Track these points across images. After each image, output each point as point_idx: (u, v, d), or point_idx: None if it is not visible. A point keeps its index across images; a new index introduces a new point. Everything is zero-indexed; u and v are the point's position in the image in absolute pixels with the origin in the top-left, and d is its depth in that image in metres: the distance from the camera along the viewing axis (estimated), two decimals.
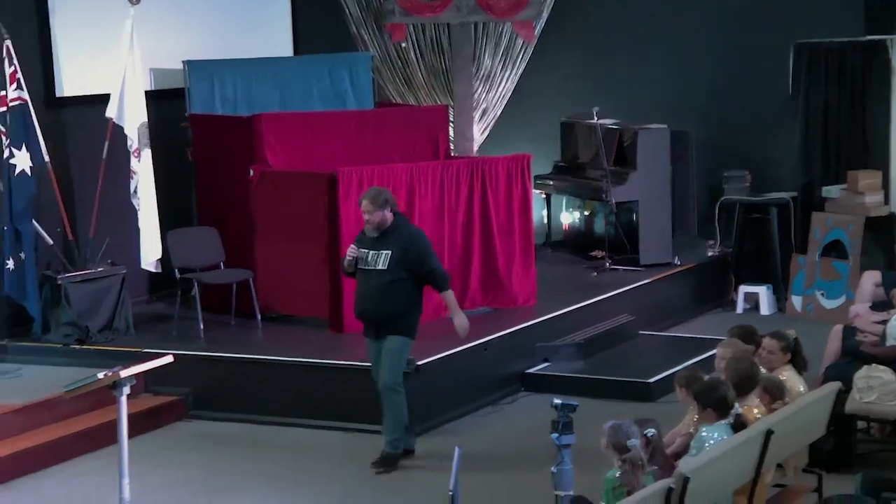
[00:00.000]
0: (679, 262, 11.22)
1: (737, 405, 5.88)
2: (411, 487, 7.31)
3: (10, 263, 8.81)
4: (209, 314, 9.44)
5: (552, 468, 5.61)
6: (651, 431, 5.60)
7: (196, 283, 9.37)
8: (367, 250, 7.46)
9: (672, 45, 12.07)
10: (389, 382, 7.52)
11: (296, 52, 11.62)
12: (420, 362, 8.29)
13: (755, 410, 6.09)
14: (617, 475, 5.36)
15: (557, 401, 5.59)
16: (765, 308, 11.17)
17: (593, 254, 11.52)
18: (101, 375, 5.88)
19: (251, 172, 9.59)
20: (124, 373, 5.86)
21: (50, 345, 9.03)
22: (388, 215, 7.45)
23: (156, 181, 9.40)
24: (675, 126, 11.35)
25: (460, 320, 7.63)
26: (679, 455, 5.92)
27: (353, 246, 7.54)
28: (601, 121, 11.33)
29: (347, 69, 11.04)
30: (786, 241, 11.34)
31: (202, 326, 9.24)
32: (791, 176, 11.57)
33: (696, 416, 5.99)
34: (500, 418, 8.62)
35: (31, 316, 9.08)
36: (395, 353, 7.52)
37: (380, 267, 7.41)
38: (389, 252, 7.39)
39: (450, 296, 7.65)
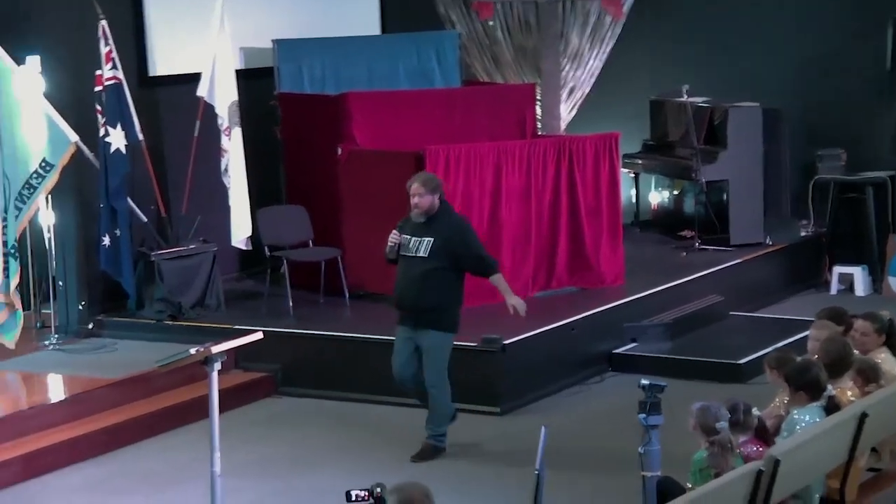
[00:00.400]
0: (771, 242, 11.05)
1: (830, 387, 5.78)
2: (496, 466, 7.31)
3: (106, 240, 8.99)
4: (298, 292, 9.54)
5: (639, 449, 5.57)
6: (755, 411, 5.53)
7: (285, 261, 9.47)
8: (409, 236, 7.31)
9: (764, 20, 11.85)
10: (434, 381, 7.37)
11: (383, 30, 11.65)
12: (507, 341, 8.28)
13: (849, 393, 5.97)
14: (705, 456, 5.30)
15: (645, 381, 5.55)
16: (860, 289, 10.97)
17: (682, 233, 11.39)
18: (192, 351, 5.98)
19: (339, 151, 9.65)
20: (215, 349, 5.95)
21: (144, 320, 9.20)
22: (437, 202, 7.31)
23: (246, 160, 9.50)
24: (768, 104, 11.16)
25: (516, 300, 7.52)
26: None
27: (395, 231, 7.38)
28: (691, 99, 11.18)
29: (434, 48, 11.03)
30: (882, 221, 11.11)
31: (291, 304, 9.33)
32: (888, 154, 11.31)
33: (787, 399, 5.90)
34: (587, 398, 8.59)
35: (125, 292, 9.25)
36: (439, 351, 7.37)
37: (421, 254, 7.26)
38: (432, 239, 7.25)
39: (499, 279, 7.54)
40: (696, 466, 5.32)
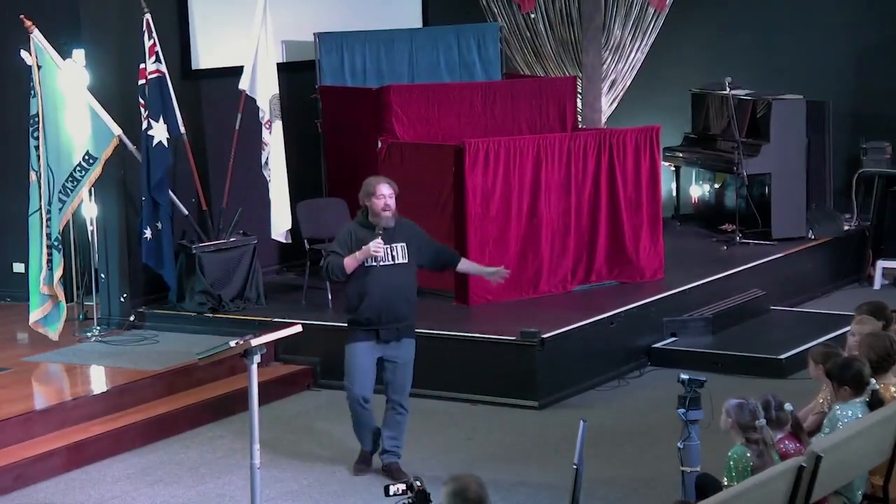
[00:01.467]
0: (813, 236, 10.95)
1: (873, 382, 5.72)
2: (535, 460, 7.31)
3: (148, 233, 9.05)
4: (338, 285, 9.54)
5: (679, 444, 5.56)
6: (789, 406, 5.47)
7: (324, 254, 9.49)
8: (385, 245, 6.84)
9: (808, 12, 11.73)
10: (407, 396, 7.06)
11: (425, 23, 11.65)
12: (546, 335, 8.27)
13: (892, 389, 5.91)
14: (748, 454, 5.23)
15: (684, 376, 5.53)
16: None
17: (723, 227, 11.32)
18: (232, 343, 6.02)
19: (379, 144, 9.66)
20: (255, 341, 5.98)
21: (184, 313, 9.27)
22: None
23: (286, 153, 9.53)
24: (812, 96, 11.05)
25: (495, 269, 7.32)
26: (811, 433, 5.79)
27: (378, 242, 6.78)
28: (733, 91, 11.10)
29: (476, 40, 11.02)
30: None
31: (330, 297, 9.36)
32: None
33: (830, 394, 5.84)
34: (626, 392, 8.56)
35: (167, 284, 9.32)
36: (412, 363, 7.08)
37: (401, 260, 6.87)
38: (405, 244, 6.89)
39: (467, 262, 7.45)
40: (732, 463, 5.26)
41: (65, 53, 9.17)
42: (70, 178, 8.80)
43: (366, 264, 6.81)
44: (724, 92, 11.10)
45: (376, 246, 6.79)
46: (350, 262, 6.81)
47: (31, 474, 7.07)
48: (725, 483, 5.21)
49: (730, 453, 5.27)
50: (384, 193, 6.84)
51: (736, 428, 5.31)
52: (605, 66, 12.00)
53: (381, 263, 6.84)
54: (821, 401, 6.10)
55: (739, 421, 5.29)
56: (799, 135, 10.95)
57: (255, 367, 6.00)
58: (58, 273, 8.70)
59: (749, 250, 10.66)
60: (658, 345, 9.13)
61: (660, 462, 7.07)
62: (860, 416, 5.54)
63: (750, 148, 10.93)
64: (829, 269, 10.98)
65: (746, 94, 11.28)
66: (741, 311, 9.71)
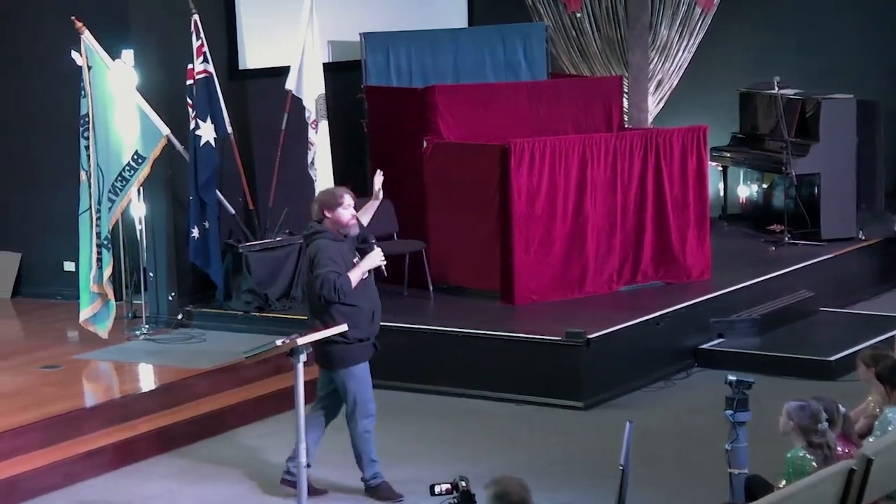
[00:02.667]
0: (863, 237, 10.84)
1: None
2: (580, 461, 7.28)
3: (195, 232, 9.12)
4: (382, 284, 9.53)
5: (726, 445, 5.52)
6: (842, 408, 5.40)
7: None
8: (358, 257, 6.64)
9: (859, 10, 11.60)
10: None
11: (470, 23, 11.64)
12: (591, 335, 8.24)
13: None
14: (809, 458, 5.14)
15: (732, 377, 5.48)
16: None
17: (771, 227, 11.22)
18: (279, 342, 6.06)
19: (424, 144, 9.67)
20: (301, 340, 6.02)
21: (231, 311, 9.32)
22: None
23: (332, 152, 9.57)
24: (863, 96, 10.92)
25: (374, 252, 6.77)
26: (861, 436, 5.72)
27: (378, 252, 6.59)
28: (782, 91, 11.00)
29: (521, 40, 10.99)
30: None
31: None
32: None
33: (880, 397, 5.77)
34: (673, 393, 8.51)
35: (214, 283, 9.39)
36: None
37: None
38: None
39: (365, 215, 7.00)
40: (791, 467, 5.17)
41: (114, 54, 9.26)
42: (119, 178, 8.89)
43: (363, 277, 6.59)
44: (773, 91, 11.00)
45: (382, 256, 6.61)
46: (356, 277, 6.53)
47: (79, 471, 7.15)
48: (782, 485, 5.13)
49: (789, 455, 5.19)
50: (350, 204, 6.57)
51: (797, 431, 5.22)
52: (651, 66, 11.93)
53: (364, 276, 6.60)
54: (871, 404, 6.03)
55: (801, 424, 5.20)
56: (849, 134, 10.83)
57: (301, 366, 6.03)
58: (107, 272, 8.79)
59: (798, 251, 10.56)
60: (705, 346, 9.07)
61: (707, 464, 7.02)
62: None
63: (799, 148, 10.83)
64: (879, 270, 10.85)
65: (795, 94, 11.18)
66: (790, 313, 9.62)
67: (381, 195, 6.98)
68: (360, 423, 6.74)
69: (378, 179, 6.95)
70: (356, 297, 6.55)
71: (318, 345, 6.44)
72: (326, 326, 6.51)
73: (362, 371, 6.71)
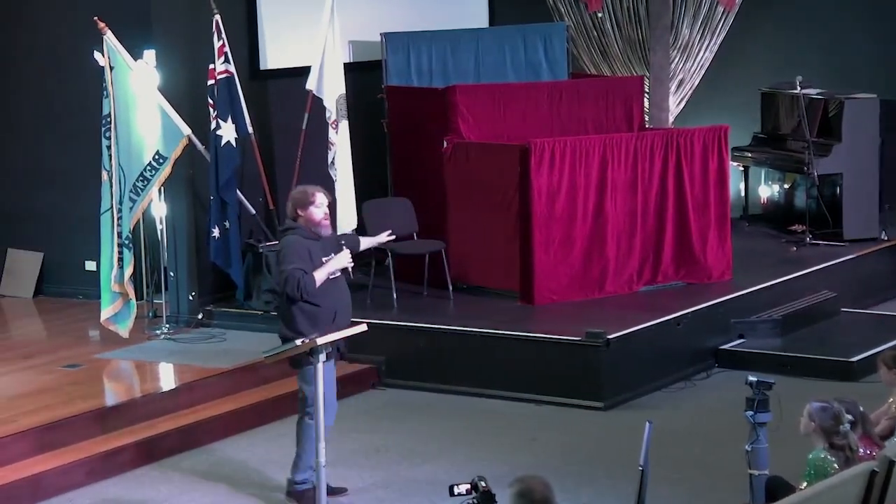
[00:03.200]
0: (886, 238, 10.78)
1: None
2: (600, 461, 7.27)
3: (216, 232, 9.15)
4: (402, 284, 9.60)
5: (746, 446, 5.49)
6: (861, 409, 5.36)
7: (390, 254, 9.53)
8: (329, 257, 6.54)
9: (880, 9, 11.53)
10: None
11: (491, 23, 11.64)
12: (611, 336, 8.22)
13: None
14: (831, 459, 5.11)
15: (752, 378, 5.45)
16: None
17: (793, 228, 11.17)
18: (298, 342, 6.08)
19: (445, 144, 9.67)
20: (321, 340, 6.04)
21: (252, 311, 9.35)
22: None
23: (352, 152, 9.58)
24: (886, 96, 10.86)
25: (381, 236, 6.99)
26: (883, 438, 5.69)
27: (346, 254, 6.51)
28: (804, 90, 10.95)
29: (542, 40, 10.98)
30: None
31: (395, 296, 9.39)
32: None
33: None
34: (693, 394, 8.48)
35: (234, 283, 9.41)
36: None
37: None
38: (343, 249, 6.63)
39: (363, 240, 7.13)
40: (812, 468, 5.14)
41: (136, 54, 9.30)
42: (140, 178, 8.92)
43: (330, 277, 6.48)
44: (795, 91, 10.95)
45: (349, 257, 6.52)
46: (321, 277, 6.43)
47: (101, 470, 7.18)
48: (803, 486, 5.11)
49: (810, 457, 5.16)
50: (322, 203, 6.50)
51: (819, 432, 5.19)
52: (672, 66, 11.90)
53: (334, 276, 6.53)
54: (893, 405, 6.00)
55: (823, 425, 5.17)
56: (872, 134, 10.77)
57: (320, 365, 6.05)
58: (128, 271, 8.83)
59: (819, 251, 10.51)
60: (726, 346, 9.04)
61: (727, 465, 6.99)
62: None
63: (821, 148, 10.78)
64: None
65: (818, 94, 11.12)
66: (811, 313, 9.58)
67: (381, 241, 7.05)
68: (309, 424, 6.57)
69: (385, 236, 7.04)
70: (319, 296, 6.45)
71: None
72: (285, 323, 6.49)
73: (326, 370, 6.43)
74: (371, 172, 10.41)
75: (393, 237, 7.10)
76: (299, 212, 6.53)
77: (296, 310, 6.47)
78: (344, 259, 6.52)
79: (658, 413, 7.95)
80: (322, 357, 6.05)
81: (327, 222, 6.56)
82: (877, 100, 10.81)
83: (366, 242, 7.14)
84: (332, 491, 6.64)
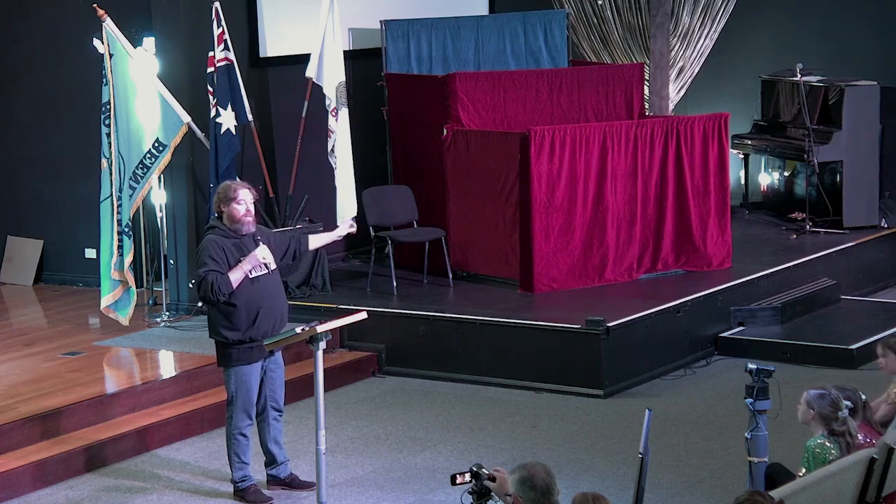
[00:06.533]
0: (886, 225, 10.78)
1: None
2: (600, 449, 7.28)
3: None
4: (402, 272, 9.60)
5: (746, 434, 5.50)
6: (863, 396, 5.37)
7: (390, 242, 9.53)
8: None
9: None
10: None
11: (491, 10, 11.62)
12: (611, 324, 8.22)
13: None
14: (829, 446, 5.11)
15: (752, 365, 5.46)
16: None
17: (793, 215, 11.17)
18: (298, 330, 6.08)
19: (444, 131, 9.66)
20: (321, 328, 6.04)
21: None
22: None
23: (352, 140, 9.57)
24: (887, 82, 10.85)
25: (341, 228, 6.77)
26: (883, 425, 5.69)
27: (262, 252, 6.31)
28: (805, 77, 10.93)
29: (542, 27, 10.97)
30: None
31: (395, 284, 9.39)
32: None
33: None
34: (693, 382, 8.49)
35: None
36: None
37: (272, 266, 6.42)
38: (266, 246, 6.43)
39: (314, 238, 6.84)
40: (811, 455, 5.14)
41: (135, 42, 9.29)
42: (140, 165, 8.92)
43: (250, 276, 6.32)
44: (795, 78, 10.94)
45: (264, 253, 6.34)
46: (237, 277, 6.27)
47: (102, 456, 7.19)
48: (801, 473, 5.12)
49: (809, 444, 5.17)
50: (245, 199, 6.36)
51: (818, 419, 5.19)
52: (673, 53, 11.87)
53: (261, 273, 6.37)
54: (893, 392, 6.00)
55: (822, 412, 5.17)
56: (872, 121, 10.76)
57: (320, 353, 6.05)
58: (128, 259, 8.83)
59: (819, 239, 10.51)
60: (725, 334, 9.04)
61: (726, 452, 7.01)
62: None
63: (821, 135, 10.77)
64: None
65: (818, 81, 11.11)
66: (811, 301, 9.58)
67: (341, 234, 6.80)
68: (234, 424, 6.54)
69: (346, 227, 6.79)
70: (250, 296, 6.32)
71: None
72: (210, 324, 6.42)
73: (245, 373, 6.45)
74: (371, 160, 10.41)
75: (353, 229, 6.87)
76: (222, 208, 6.39)
77: (215, 311, 6.37)
78: (259, 254, 6.33)
79: (658, 401, 7.96)
80: (322, 345, 6.05)
81: (249, 219, 6.38)
82: (877, 87, 10.80)
83: (319, 240, 6.86)
84: (300, 484, 6.69)
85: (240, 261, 6.33)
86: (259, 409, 6.65)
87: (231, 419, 6.58)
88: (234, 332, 6.38)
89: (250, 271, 6.33)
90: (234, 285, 6.29)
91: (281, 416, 6.71)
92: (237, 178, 9.21)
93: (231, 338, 6.39)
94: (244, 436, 6.59)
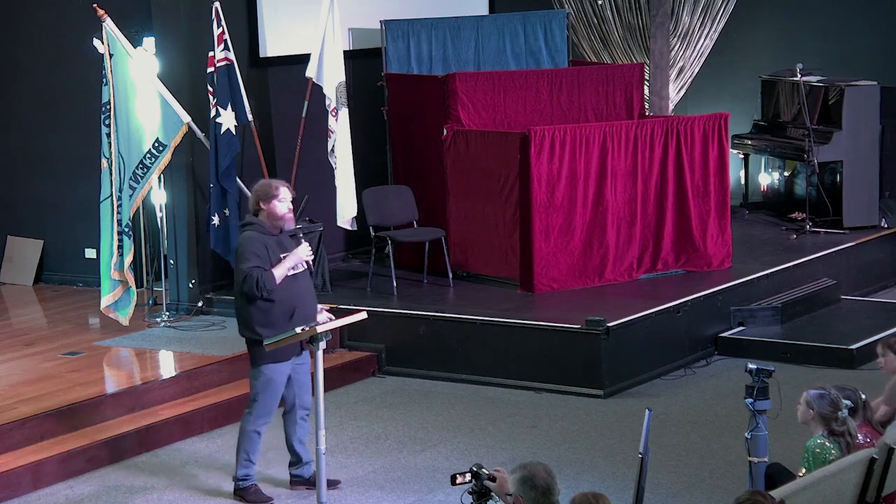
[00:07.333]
0: (886, 225, 10.78)
1: None
2: (600, 449, 7.28)
3: (216, 220, 9.14)
4: (402, 272, 9.60)
5: (746, 434, 5.50)
6: (863, 396, 5.37)
7: (390, 242, 9.53)
8: (285, 254, 6.41)
9: None
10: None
11: (491, 10, 11.62)
12: (611, 324, 8.22)
13: None
14: (829, 446, 5.12)
15: (752, 365, 5.46)
16: None
17: (793, 216, 11.18)
18: (298, 330, 6.08)
19: (444, 131, 9.67)
20: (321, 328, 6.04)
21: None
22: None
23: (352, 140, 9.57)
24: (887, 82, 10.85)
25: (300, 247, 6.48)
26: (883, 425, 5.70)
27: (307, 248, 6.37)
28: (805, 77, 10.94)
29: (542, 27, 10.97)
30: None
31: (395, 284, 9.39)
32: None
33: None
34: (693, 382, 8.49)
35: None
36: None
37: (303, 266, 6.44)
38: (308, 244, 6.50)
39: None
40: (811, 455, 5.14)
41: (135, 42, 9.29)
42: (140, 165, 8.92)
43: (290, 273, 6.34)
44: (795, 78, 10.94)
45: (308, 251, 6.37)
46: (280, 273, 6.29)
47: (102, 457, 7.19)
48: (801, 473, 5.11)
49: (809, 444, 5.17)
50: (286, 197, 6.38)
51: (818, 419, 5.19)
52: (673, 53, 11.88)
53: (298, 270, 6.39)
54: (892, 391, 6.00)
55: (821, 412, 5.17)
56: (872, 121, 10.77)
57: (320, 353, 6.05)
58: (128, 259, 8.83)
59: (819, 239, 10.51)
60: (725, 334, 9.04)
61: (726, 452, 7.01)
62: None
63: (821, 135, 10.77)
64: None
65: (818, 81, 11.11)
66: (811, 301, 9.59)
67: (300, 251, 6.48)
68: (252, 421, 6.51)
69: (323, 321, 6.40)
70: (290, 293, 6.34)
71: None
72: (242, 322, 6.40)
73: (272, 372, 6.42)
74: (371, 160, 10.41)
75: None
76: (262, 205, 6.39)
77: (253, 309, 6.35)
78: (302, 252, 6.38)
79: (658, 400, 7.96)
80: (322, 345, 6.05)
81: (290, 216, 6.43)
82: (877, 87, 10.80)
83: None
84: (305, 482, 6.69)
85: (280, 258, 6.34)
86: (287, 407, 6.62)
87: (250, 415, 6.53)
88: (271, 330, 6.31)
89: (291, 268, 6.35)
90: (277, 282, 6.28)
91: (308, 415, 6.63)
92: (237, 178, 9.26)
93: (266, 335, 6.31)
94: (258, 434, 6.57)
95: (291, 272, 6.37)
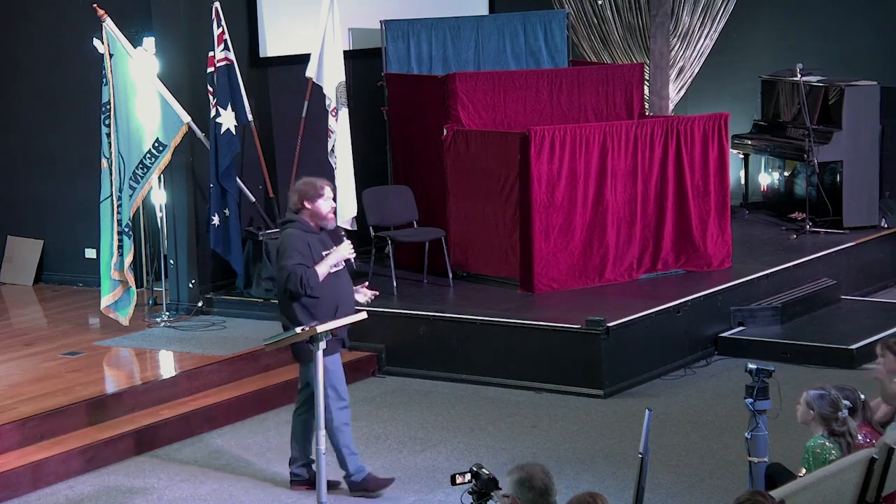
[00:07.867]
0: (887, 225, 10.79)
1: None
2: (600, 449, 7.28)
3: (216, 220, 9.15)
4: (402, 272, 9.60)
5: (746, 434, 5.50)
6: (862, 396, 5.37)
7: (390, 242, 9.53)
8: (332, 247, 6.46)
9: None
10: None
11: (491, 10, 11.62)
12: (611, 324, 8.22)
13: None
14: (829, 446, 5.12)
15: (752, 365, 5.46)
16: None
17: (793, 216, 11.18)
18: (299, 330, 6.08)
19: (444, 131, 9.67)
20: (321, 328, 6.04)
21: (252, 299, 9.35)
22: None
23: (352, 140, 9.57)
24: (887, 82, 10.85)
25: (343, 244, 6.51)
26: (883, 425, 5.69)
27: (347, 245, 6.41)
28: (805, 77, 10.94)
29: (542, 27, 10.97)
30: None
31: (395, 284, 9.39)
32: None
33: None
34: (693, 382, 8.49)
35: (234, 271, 9.41)
36: None
37: (343, 263, 6.48)
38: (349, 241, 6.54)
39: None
40: (812, 455, 5.14)
41: (135, 42, 9.29)
42: (140, 165, 8.92)
43: (331, 271, 6.39)
44: (795, 78, 10.94)
45: (350, 249, 6.42)
46: (323, 271, 6.34)
47: (102, 456, 7.19)
48: (801, 473, 5.11)
49: (809, 444, 5.17)
50: (330, 196, 6.43)
51: (818, 419, 5.19)
52: (673, 53, 11.88)
53: (339, 267, 6.44)
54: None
55: (821, 412, 5.17)
56: (872, 122, 10.77)
57: (321, 353, 6.05)
58: (128, 259, 8.83)
59: (819, 239, 10.51)
60: (725, 334, 9.04)
61: (727, 452, 7.01)
62: None
63: (821, 135, 10.77)
64: None
65: (818, 81, 11.11)
66: (811, 301, 9.59)
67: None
68: (335, 415, 6.47)
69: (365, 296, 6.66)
70: (333, 291, 6.38)
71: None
72: (287, 317, 6.41)
73: (331, 363, 6.39)
74: (371, 160, 10.40)
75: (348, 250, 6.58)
76: (306, 204, 6.42)
77: (297, 306, 6.39)
78: (345, 250, 6.43)
79: (658, 401, 7.96)
80: (322, 345, 6.05)
81: (333, 216, 6.48)
82: (877, 87, 10.80)
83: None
84: (305, 482, 6.67)
85: (322, 255, 6.36)
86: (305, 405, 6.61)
87: (328, 410, 6.34)
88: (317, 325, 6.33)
89: (333, 266, 6.37)
90: (321, 279, 6.31)
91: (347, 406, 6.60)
92: (237, 178, 9.27)
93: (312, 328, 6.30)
94: (347, 424, 6.53)
95: (334, 269, 6.39)
